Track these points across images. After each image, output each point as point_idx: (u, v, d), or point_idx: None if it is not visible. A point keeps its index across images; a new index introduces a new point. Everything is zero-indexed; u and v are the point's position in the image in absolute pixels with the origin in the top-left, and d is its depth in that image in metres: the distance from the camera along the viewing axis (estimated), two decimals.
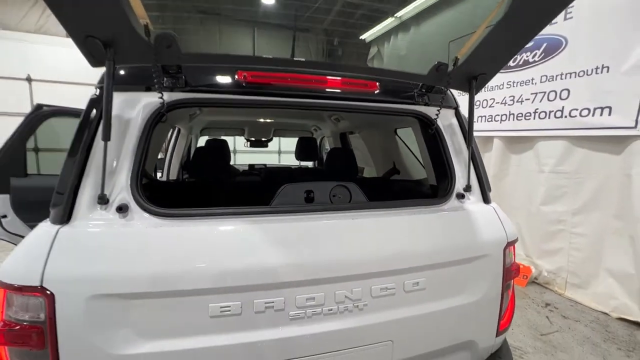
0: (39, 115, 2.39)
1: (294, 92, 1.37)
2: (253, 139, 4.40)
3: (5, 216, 2.30)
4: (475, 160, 1.57)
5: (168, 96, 1.26)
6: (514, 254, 1.55)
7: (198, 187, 2.23)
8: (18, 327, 1.01)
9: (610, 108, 3.19)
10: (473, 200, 1.56)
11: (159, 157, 3.45)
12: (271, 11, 1.66)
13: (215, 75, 1.32)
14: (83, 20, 0.98)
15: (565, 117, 3.57)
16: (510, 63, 4.10)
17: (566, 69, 3.55)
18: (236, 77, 1.32)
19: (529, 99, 3.97)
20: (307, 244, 1.21)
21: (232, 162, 4.45)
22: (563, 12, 3.52)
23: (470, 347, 1.47)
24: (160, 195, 2.10)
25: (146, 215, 1.17)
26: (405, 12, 2.39)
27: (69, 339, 1.03)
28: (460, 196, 1.52)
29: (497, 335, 1.52)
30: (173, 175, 3.42)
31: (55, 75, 7.72)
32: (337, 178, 2.46)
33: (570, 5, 2.11)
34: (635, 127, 3.02)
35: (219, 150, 2.34)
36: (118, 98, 1.23)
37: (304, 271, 1.18)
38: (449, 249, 1.38)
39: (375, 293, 1.25)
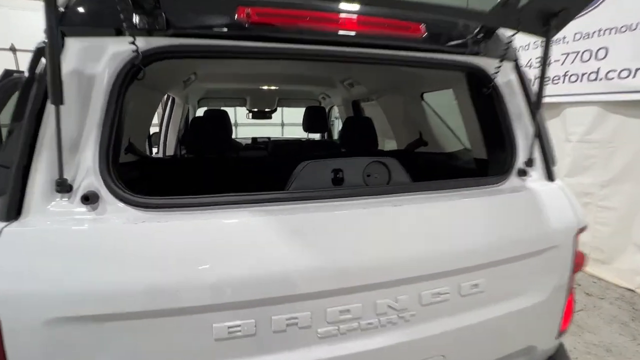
0: (10, 84, 2.01)
1: (313, 37, 1.00)
2: (255, 109, 3.99)
3: None
4: (541, 127, 1.22)
5: (144, 43, 0.90)
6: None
7: (196, 163, 1.90)
8: None
9: None
10: (535, 178, 1.23)
11: (155, 131, 3.09)
12: None
13: (208, 13, 0.95)
14: None
15: (600, 79, 3.16)
16: None
17: (606, 23, 3.09)
18: (236, 15, 0.94)
19: (558, 61, 3.52)
20: (338, 241, 0.90)
21: (233, 136, 4.10)
22: None
23: (528, 353, 1.20)
24: (151, 175, 1.78)
25: (123, 206, 0.84)
26: None
27: None
28: (522, 173, 1.19)
29: (557, 337, 1.25)
30: (170, 152, 3.07)
31: None
32: (356, 152, 2.12)
33: None
34: None
35: (218, 121, 1.99)
36: (75, 46, 0.87)
37: (336, 277, 0.87)
38: (514, 240, 1.06)
39: (426, 300, 0.96)
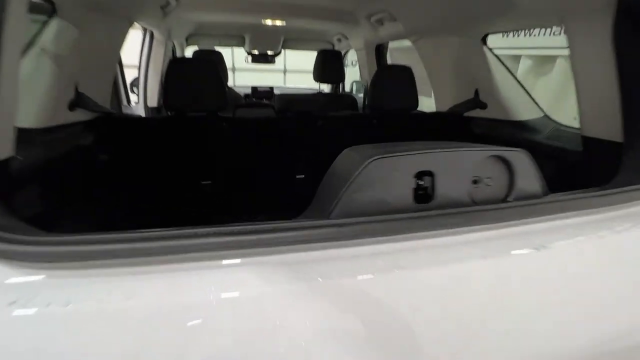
0: None
1: None
2: (256, 52, 3.29)
3: None
4: None
5: None
6: None
7: (173, 125, 1.38)
8: None
9: None
10: None
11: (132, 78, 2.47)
12: None
13: None
14: None
15: None
16: None
17: None
18: None
19: None
20: (439, 324, 0.44)
21: (230, 83, 3.43)
22: None
23: None
24: (113, 141, 1.27)
25: None
26: None
27: None
28: None
29: None
30: (153, 103, 2.47)
31: None
32: (390, 115, 1.59)
33: None
34: None
35: (209, 67, 1.42)
36: None
37: None
38: None
39: None
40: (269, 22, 2.50)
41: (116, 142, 1.32)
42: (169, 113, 1.39)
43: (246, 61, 3.38)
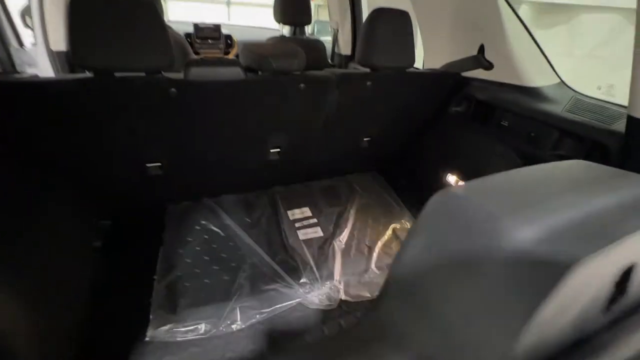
0: None
1: None
2: None
3: None
4: None
5: None
6: None
7: (97, 93, 0.92)
8: None
9: None
10: None
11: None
12: None
13: None
14: None
15: None
16: None
17: None
18: None
19: None
20: None
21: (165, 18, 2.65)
22: None
23: None
24: None
25: None
26: None
27: None
28: None
29: None
30: (59, 45, 1.75)
31: None
32: (386, 74, 1.29)
33: None
34: None
35: (139, 1, 0.92)
36: None
37: None
38: None
39: None
40: None
41: (8, 119, 0.86)
42: (87, 72, 0.93)
43: None
